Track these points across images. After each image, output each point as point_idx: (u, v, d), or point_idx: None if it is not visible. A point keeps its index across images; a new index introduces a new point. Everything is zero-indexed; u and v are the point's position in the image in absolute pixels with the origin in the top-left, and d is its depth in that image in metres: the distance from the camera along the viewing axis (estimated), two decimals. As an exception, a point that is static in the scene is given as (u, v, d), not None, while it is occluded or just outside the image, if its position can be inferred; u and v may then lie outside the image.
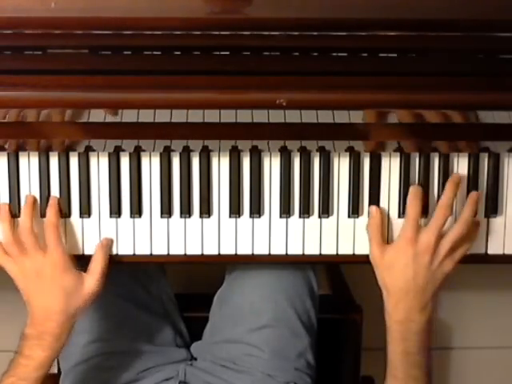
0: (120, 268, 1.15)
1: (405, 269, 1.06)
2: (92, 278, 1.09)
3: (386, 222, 1.13)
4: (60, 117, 1.06)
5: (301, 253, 1.15)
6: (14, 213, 1.12)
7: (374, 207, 1.12)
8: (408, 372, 1.07)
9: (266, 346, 1.22)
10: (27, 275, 1.08)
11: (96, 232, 1.14)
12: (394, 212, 1.15)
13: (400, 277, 1.06)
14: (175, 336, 1.32)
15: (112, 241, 1.13)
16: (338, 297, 1.64)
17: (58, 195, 1.12)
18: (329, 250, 1.15)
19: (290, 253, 1.15)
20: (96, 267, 1.10)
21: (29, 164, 1.13)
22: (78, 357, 1.24)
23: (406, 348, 1.07)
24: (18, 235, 1.09)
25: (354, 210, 1.14)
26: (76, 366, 1.24)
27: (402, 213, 1.14)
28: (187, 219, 1.14)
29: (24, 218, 1.10)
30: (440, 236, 1.07)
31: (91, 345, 1.25)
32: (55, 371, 1.31)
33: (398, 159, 1.14)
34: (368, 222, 1.12)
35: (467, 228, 1.09)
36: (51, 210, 1.10)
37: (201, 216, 1.14)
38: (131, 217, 1.14)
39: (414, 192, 1.10)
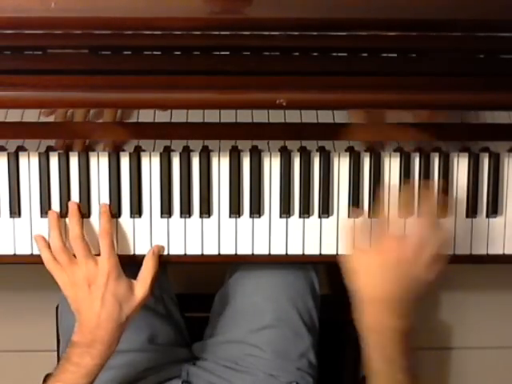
0: (123, 268, 1.15)
1: (382, 277, 1.01)
2: (142, 286, 1.09)
3: (367, 225, 1.11)
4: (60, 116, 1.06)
5: (301, 253, 1.15)
6: (15, 212, 1.12)
7: (356, 210, 1.11)
8: (393, 378, 1.03)
9: (268, 346, 1.22)
10: (77, 284, 1.08)
11: (96, 232, 1.14)
12: (394, 212, 1.15)
13: (375, 284, 1.02)
14: (176, 336, 1.32)
15: (163, 248, 1.14)
16: (338, 297, 1.64)
17: (58, 195, 1.13)
18: (329, 249, 1.15)
19: (290, 253, 1.15)
20: (146, 275, 1.10)
21: (29, 164, 1.13)
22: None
23: (387, 355, 1.02)
24: (67, 242, 1.10)
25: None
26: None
27: (402, 213, 1.14)
28: (187, 219, 1.14)
29: (73, 225, 1.10)
30: (419, 244, 1.02)
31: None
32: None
33: (398, 159, 1.14)
34: (345, 224, 1.11)
35: (446, 232, 1.06)
36: (104, 218, 1.11)
37: (201, 216, 1.14)
38: (131, 217, 1.14)
39: (405, 201, 1.09)
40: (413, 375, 1.04)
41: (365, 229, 1.07)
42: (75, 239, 1.09)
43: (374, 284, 1.02)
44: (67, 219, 1.12)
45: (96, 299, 1.07)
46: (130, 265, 1.13)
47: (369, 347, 1.04)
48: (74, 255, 1.10)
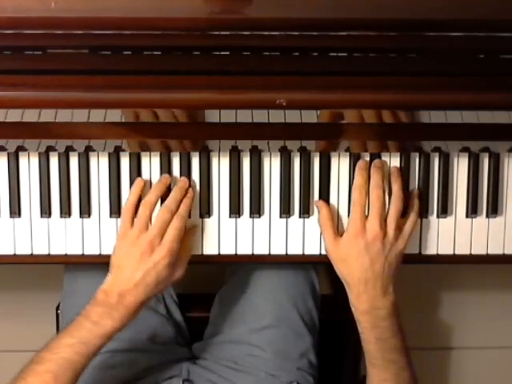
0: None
1: (359, 259, 1.07)
2: (181, 270, 1.10)
3: (335, 214, 1.13)
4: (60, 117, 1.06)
5: (301, 253, 1.15)
6: (14, 212, 1.12)
7: (320, 202, 1.12)
8: (386, 357, 1.08)
9: (268, 346, 1.23)
10: (135, 244, 1.07)
11: (96, 232, 1.14)
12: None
13: (357, 268, 1.07)
14: (177, 336, 1.32)
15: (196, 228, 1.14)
16: (338, 297, 1.64)
17: (58, 195, 1.13)
18: (329, 249, 1.15)
19: (290, 253, 1.15)
20: (185, 257, 1.10)
21: (29, 164, 1.13)
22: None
23: (379, 335, 1.08)
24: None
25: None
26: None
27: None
28: (187, 219, 1.14)
29: (173, 198, 1.09)
30: (383, 219, 1.08)
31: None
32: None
33: (398, 159, 1.14)
34: (318, 216, 1.12)
35: (402, 201, 1.10)
36: (186, 202, 1.10)
37: (201, 216, 1.14)
38: (131, 217, 1.14)
39: (357, 184, 1.10)
40: (404, 354, 1.09)
41: (355, 213, 1.09)
42: (166, 211, 1.08)
43: (363, 265, 1.07)
44: (67, 219, 1.12)
45: (141, 269, 1.06)
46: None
47: (363, 330, 1.09)
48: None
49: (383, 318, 1.07)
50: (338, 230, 1.13)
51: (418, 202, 1.13)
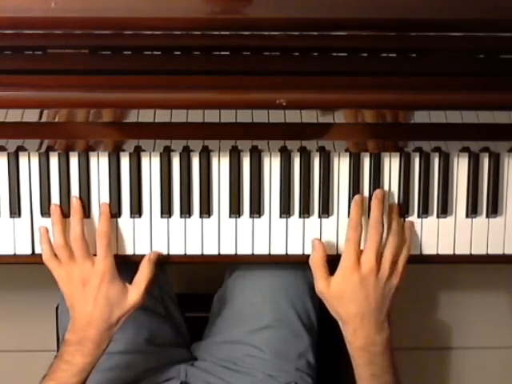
0: (120, 268, 1.15)
1: (354, 295, 1.06)
2: (136, 291, 1.10)
3: (326, 255, 1.11)
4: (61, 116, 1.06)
5: (301, 253, 1.15)
6: (14, 212, 1.12)
7: (316, 241, 1.12)
8: None
9: (267, 346, 1.22)
10: (73, 282, 1.09)
11: (96, 232, 1.13)
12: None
13: (352, 304, 1.07)
14: (176, 336, 1.32)
15: (161, 255, 1.14)
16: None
17: (58, 195, 1.12)
18: (329, 250, 1.15)
19: (290, 253, 1.15)
20: (141, 280, 1.10)
21: (29, 164, 1.13)
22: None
23: (373, 371, 1.07)
24: (69, 239, 1.10)
25: (354, 210, 1.14)
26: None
27: (402, 213, 1.14)
28: (187, 219, 1.14)
29: (74, 224, 1.10)
30: (379, 253, 1.08)
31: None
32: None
33: (398, 159, 1.14)
34: (311, 256, 1.12)
35: (400, 238, 1.10)
36: (103, 218, 1.11)
37: (201, 216, 1.14)
38: (131, 217, 1.14)
39: (353, 217, 1.10)
40: None
41: (348, 252, 1.09)
42: (76, 238, 1.09)
43: (351, 302, 1.07)
44: (67, 220, 1.12)
45: (89, 299, 1.07)
46: (129, 265, 1.13)
47: (358, 366, 1.08)
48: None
49: (377, 354, 1.07)
50: (338, 231, 1.14)
51: (410, 235, 1.13)
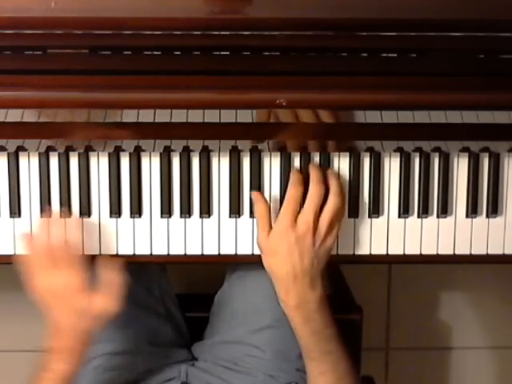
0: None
1: (289, 254, 1.06)
2: (103, 301, 1.09)
3: (270, 207, 1.11)
4: (61, 117, 1.06)
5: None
6: (14, 212, 1.12)
7: (255, 193, 1.12)
8: (322, 349, 1.08)
9: (267, 346, 1.22)
10: (43, 291, 1.08)
11: (96, 232, 1.14)
12: (394, 212, 1.15)
13: (285, 262, 1.06)
14: (176, 336, 1.32)
15: (126, 263, 1.13)
16: (338, 297, 1.64)
17: (58, 195, 1.12)
18: (329, 249, 1.15)
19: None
20: (108, 290, 1.10)
21: (29, 164, 1.13)
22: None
23: (312, 328, 1.08)
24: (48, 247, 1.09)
25: (354, 210, 1.14)
26: (77, 367, 1.24)
27: (402, 213, 1.14)
28: (187, 219, 1.14)
29: (39, 237, 1.10)
30: (317, 215, 1.07)
31: (92, 345, 1.24)
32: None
33: (398, 159, 1.14)
34: (254, 208, 1.12)
35: (341, 200, 1.09)
36: (76, 231, 1.11)
37: (201, 216, 1.14)
38: (131, 217, 1.14)
39: (293, 177, 1.10)
40: (339, 343, 1.09)
41: (286, 208, 1.09)
42: (41, 249, 1.08)
43: (291, 260, 1.06)
44: (67, 220, 1.12)
45: (57, 308, 1.07)
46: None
47: (296, 325, 1.09)
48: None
49: (314, 310, 1.07)
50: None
51: (343, 197, 1.12)
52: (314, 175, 1.10)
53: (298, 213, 1.07)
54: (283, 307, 1.09)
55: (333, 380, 1.09)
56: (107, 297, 1.09)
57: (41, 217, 1.12)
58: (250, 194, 1.13)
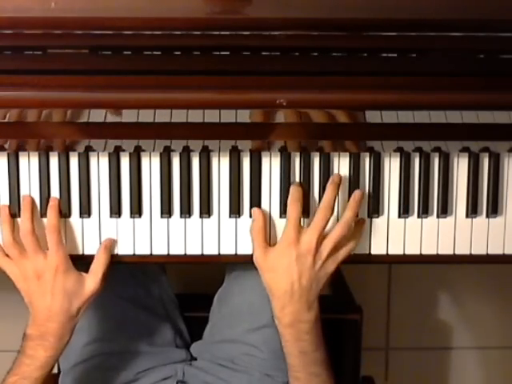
0: (120, 268, 1.15)
1: (288, 271, 1.06)
2: (93, 279, 1.09)
3: (267, 224, 1.12)
4: (60, 117, 1.06)
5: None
6: (14, 213, 1.12)
7: (256, 209, 1.12)
8: (308, 370, 1.08)
9: (265, 345, 1.23)
10: (28, 277, 1.08)
11: (96, 232, 1.14)
12: (394, 212, 1.15)
13: (284, 279, 1.06)
14: (175, 336, 1.32)
15: (114, 241, 1.13)
16: (337, 297, 1.64)
17: (58, 195, 1.12)
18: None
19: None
20: (97, 268, 1.10)
21: (29, 164, 1.13)
22: (77, 357, 1.24)
23: (302, 348, 1.07)
24: (18, 237, 1.09)
25: (354, 210, 1.14)
26: (76, 366, 1.24)
27: (402, 213, 1.14)
28: (187, 219, 1.14)
29: (24, 220, 1.10)
30: (322, 237, 1.07)
31: (91, 345, 1.25)
32: (55, 371, 1.31)
33: (398, 159, 1.14)
34: (251, 224, 1.12)
35: (348, 228, 1.09)
36: (52, 212, 1.10)
37: (201, 216, 1.14)
38: (131, 217, 1.14)
39: (294, 193, 1.10)
40: (326, 368, 1.09)
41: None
42: (26, 234, 1.09)
43: (290, 278, 1.06)
44: (67, 220, 1.12)
45: (46, 293, 1.07)
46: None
47: (286, 343, 1.08)
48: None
49: (306, 331, 1.07)
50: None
51: (361, 231, 1.12)
52: (325, 198, 1.09)
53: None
54: (276, 323, 1.09)
55: None
56: (97, 277, 1.09)
57: (46, 216, 1.12)
58: (251, 195, 1.13)
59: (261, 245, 1.09)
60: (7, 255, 1.09)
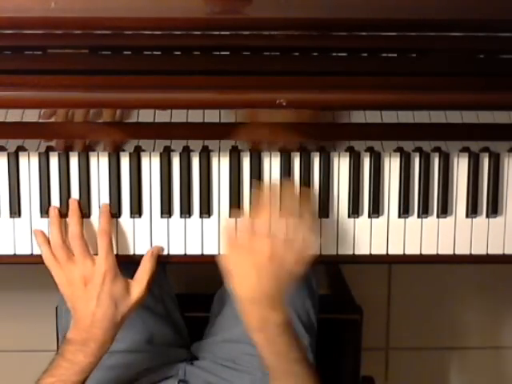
0: (120, 268, 1.15)
1: (247, 277, 1.05)
2: (138, 286, 1.10)
3: (231, 223, 1.11)
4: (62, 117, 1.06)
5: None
6: (14, 212, 1.12)
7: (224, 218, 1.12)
8: (287, 370, 1.07)
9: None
10: (74, 283, 1.08)
11: (96, 232, 1.14)
12: (394, 212, 1.15)
13: (244, 285, 1.05)
14: (176, 336, 1.32)
15: (162, 249, 1.14)
16: (338, 297, 1.64)
17: (57, 195, 1.13)
18: (328, 250, 1.15)
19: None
20: (143, 276, 1.10)
21: (29, 164, 1.13)
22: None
23: (276, 350, 1.06)
24: (67, 240, 1.10)
25: (354, 210, 1.14)
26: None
27: (402, 213, 1.14)
28: (187, 219, 1.14)
29: (72, 224, 1.10)
30: (279, 239, 1.05)
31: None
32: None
33: (398, 159, 1.14)
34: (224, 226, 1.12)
35: (308, 229, 1.07)
36: (104, 217, 1.11)
37: (201, 216, 1.14)
38: (131, 217, 1.14)
39: (255, 200, 1.10)
40: (305, 365, 1.08)
41: (243, 229, 1.08)
42: (74, 238, 1.10)
43: (249, 283, 1.05)
44: (67, 218, 1.12)
45: (92, 298, 1.07)
46: (128, 264, 1.13)
47: (259, 347, 1.07)
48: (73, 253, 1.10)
49: (277, 334, 1.05)
50: (338, 231, 1.14)
51: (309, 215, 1.10)
52: (285, 204, 1.08)
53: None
54: (247, 328, 1.07)
55: None
56: (143, 284, 1.09)
57: (46, 216, 1.12)
58: (250, 195, 1.13)
59: (226, 245, 1.08)
60: (55, 257, 1.09)
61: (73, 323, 1.09)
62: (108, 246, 1.09)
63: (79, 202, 1.12)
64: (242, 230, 1.08)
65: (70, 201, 1.12)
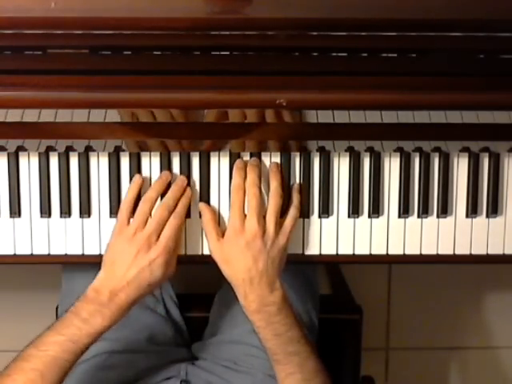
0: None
1: (242, 259, 1.06)
2: (172, 269, 1.09)
3: (217, 216, 1.12)
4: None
5: (301, 253, 1.15)
6: (14, 211, 1.12)
7: (201, 204, 1.12)
8: (287, 351, 1.08)
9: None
10: (132, 243, 1.06)
11: (96, 232, 1.14)
12: (394, 212, 1.15)
13: (240, 268, 1.06)
14: (176, 336, 1.32)
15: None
16: (338, 297, 1.64)
17: (58, 195, 1.12)
18: (329, 250, 1.15)
19: (289, 252, 1.15)
20: (175, 259, 1.10)
21: (29, 164, 1.13)
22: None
23: (275, 331, 1.07)
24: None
25: (354, 210, 1.14)
26: (77, 365, 1.24)
27: (402, 213, 1.14)
28: (187, 219, 1.14)
29: (171, 198, 1.09)
30: (262, 217, 1.07)
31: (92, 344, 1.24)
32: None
33: (398, 159, 1.14)
34: (202, 219, 1.12)
35: (280, 196, 1.09)
36: (183, 202, 1.10)
37: (201, 216, 1.14)
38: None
39: (235, 184, 1.10)
40: (305, 343, 1.09)
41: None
42: (165, 209, 1.08)
43: (245, 264, 1.06)
44: (67, 219, 1.12)
45: (135, 267, 1.05)
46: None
47: (258, 329, 1.08)
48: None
49: (275, 313, 1.07)
50: (338, 231, 1.14)
51: (299, 197, 1.12)
52: (250, 178, 1.09)
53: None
54: (245, 312, 1.09)
55: (299, 381, 1.08)
56: (174, 265, 1.09)
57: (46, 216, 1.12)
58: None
59: (213, 237, 1.09)
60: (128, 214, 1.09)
61: (100, 279, 1.06)
62: (174, 229, 1.08)
63: (81, 200, 1.12)
64: (231, 216, 1.08)
65: (179, 177, 1.11)
